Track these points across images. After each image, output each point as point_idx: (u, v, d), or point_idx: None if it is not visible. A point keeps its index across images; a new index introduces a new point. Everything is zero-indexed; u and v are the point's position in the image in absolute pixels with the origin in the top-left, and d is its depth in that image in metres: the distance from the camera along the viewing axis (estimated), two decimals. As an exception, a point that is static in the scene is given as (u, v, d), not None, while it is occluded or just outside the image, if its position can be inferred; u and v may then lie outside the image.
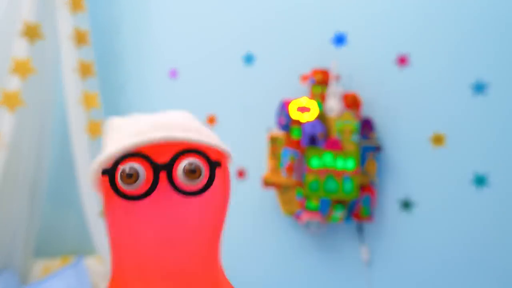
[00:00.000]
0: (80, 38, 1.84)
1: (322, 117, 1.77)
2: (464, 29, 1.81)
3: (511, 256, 1.78)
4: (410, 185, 1.85)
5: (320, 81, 1.80)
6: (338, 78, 1.80)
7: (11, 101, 1.74)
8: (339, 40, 1.87)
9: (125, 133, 0.60)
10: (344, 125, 1.75)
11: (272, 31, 1.95)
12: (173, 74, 2.05)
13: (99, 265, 1.95)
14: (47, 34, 1.81)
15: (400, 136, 1.85)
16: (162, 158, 0.56)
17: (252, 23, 1.98)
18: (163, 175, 0.55)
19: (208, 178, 0.56)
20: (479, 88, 1.78)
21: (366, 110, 1.83)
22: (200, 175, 0.55)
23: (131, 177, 0.54)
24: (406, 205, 1.85)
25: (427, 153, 1.83)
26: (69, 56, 1.82)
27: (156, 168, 0.55)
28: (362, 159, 1.78)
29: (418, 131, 1.84)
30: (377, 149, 1.80)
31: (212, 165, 0.57)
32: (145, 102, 2.09)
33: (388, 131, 1.84)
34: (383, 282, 1.87)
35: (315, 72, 1.81)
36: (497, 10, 1.78)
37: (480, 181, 1.79)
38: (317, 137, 1.75)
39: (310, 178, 1.75)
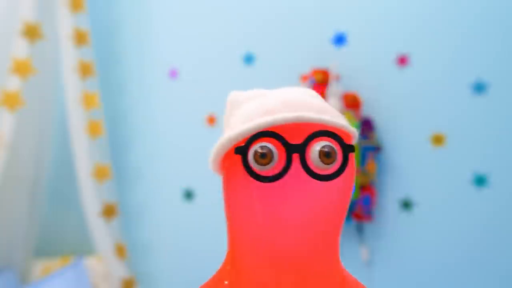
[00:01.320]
0: (80, 38, 1.84)
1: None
2: (464, 29, 1.80)
3: (511, 256, 1.78)
4: (410, 185, 1.85)
5: (320, 81, 1.80)
6: (338, 78, 1.80)
7: (12, 101, 1.75)
8: (339, 40, 1.87)
9: (254, 110, 0.56)
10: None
11: (272, 31, 1.95)
12: (173, 74, 2.05)
13: (99, 265, 1.96)
14: (47, 34, 1.81)
15: (400, 136, 1.84)
16: (295, 139, 0.53)
17: (252, 23, 1.98)
18: (295, 157, 0.53)
19: (341, 163, 0.53)
20: (479, 88, 1.78)
21: (366, 110, 1.83)
22: (334, 159, 0.52)
23: (265, 157, 0.51)
24: (406, 205, 1.85)
25: (427, 153, 1.83)
26: (69, 56, 1.82)
27: (290, 149, 0.52)
28: (362, 159, 1.78)
29: (418, 131, 1.84)
30: (377, 149, 1.80)
31: (346, 149, 0.54)
32: (145, 102, 2.09)
33: (388, 131, 1.84)
34: (383, 282, 1.86)
35: (315, 72, 1.81)
36: (497, 10, 1.78)
37: (480, 181, 1.79)
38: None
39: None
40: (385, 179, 1.85)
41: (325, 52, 1.87)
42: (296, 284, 0.56)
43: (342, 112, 1.79)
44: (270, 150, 0.52)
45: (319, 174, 0.53)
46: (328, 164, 0.52)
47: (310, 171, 0.53)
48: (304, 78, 1.84)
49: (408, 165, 1.85)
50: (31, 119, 1.87)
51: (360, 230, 1.86)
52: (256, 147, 0.52)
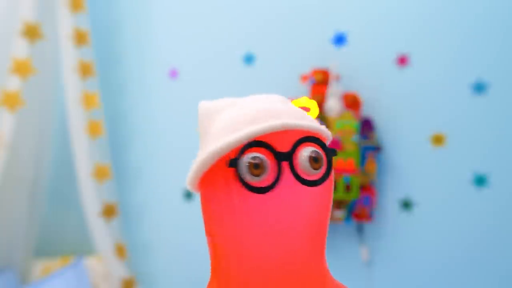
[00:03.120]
0: (80, 38, 1.84)
1: (322, 117, 1.77)
2: (464, 29, 1.80)
3: (511, 256, 1.78)
4: (410, 185, 1.84)
5: (320, 81, 1.79)
6: (338, 78, 1.80)
7: (12, 101, 1.74)
8: (339, 40, 1.87)
9: (236, 120, 0.56)
10: (344, 125, 1.75)
11: (272, 31, 1.95)
12: (173, 74, 2.05)
13: (99, 265, 1.96)
14: (47, 34, 1.81)
15: (400, 136, 1.84)
16: (282, 147, 0.53)
17: (252, 23, 1.98)
18: (285, 165, 0.53)
19: (327, 167, 0.54)
20: (479, 88, 1.78)
21: (366, 110, 1.83)
22: (322, 164, 0.54)
23: (258, 167, 0.51)
24: (406, 205, 1.85)
25: (427, 153, 1.83)
26: (69, 56, 1.82)
27: (280, 158, 0.52)
28: (362, 159, 1.78)
29: (418, 131, 1.84)
30: (377, 149, 1.80)
31: (330, 154, 0.55)
32: (145, 102, 2.09)
33: (388, 131, 1.84)
34: (383, 282, 1.86)
35: (315, 72, 1.81)
36: (497, 10, 1.78)
37: (480, 181, 1.79)
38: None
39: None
40: (385, 179, 1.85)
41: (325, 52, 1.87)
42: None
43: (342, 112, 1.80)
44: (262, 160, 0.52)
45: (308, 180, 0.53)
46: (316, 169, 0.53)
47: (300, 178, 0.53)
48: (304, 78, 1.84)
49: (408, 165, 1.85)
50: (31, 119, 1.87)
51: (360, 230, 1.86)
52: (247, 158, 0.52)
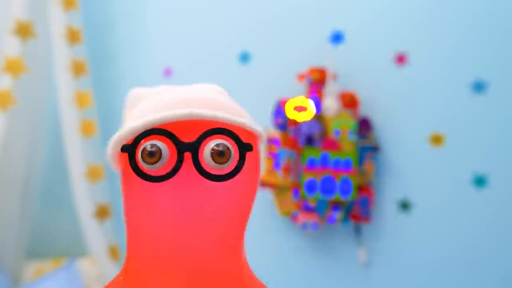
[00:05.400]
0: (72, 36, 1.83)
1: (319, 117, 1.75)
2: (463, 28, 1.79)
3: (511, 256, 1.77)
4: (409, 185, 1.83)
5: (317, 80, 1.78)
6: (335, 76, 1.78)
7: (3, 100, 1.74)
8: (336, 38, 1.86)
9: (148, 106, 0.55)
10: (341, 124, 1.74)
11: (269, 29, 1.94)
12: (168, 72, 2.03)
13: (92, 267, 1.94)
14: (39, 32, 1.80)
15: (399, 136, 1.83)
16: (188, 138, 0.51)
17: (248, 21, 1.97)
18: (188, 156, 0.51)
19: (238, 162, 0.52)
20: (479, 87, 1.77)
21: (364, 110, 1.82)
22: (229, 158, 0.50)
23: (153, 155, 0.49)
24: (405, 205, 1.83)
25: (425, 153, 1.81)
26: (62, 55, 1.81)
27: (181, 148, 0.50)
28: (360, 159, 1.76)
29: (416, 131, 1.82)
30: (375, 149, 1.78)
31: (243, 148, 0.52)
32: (140, 101, 2.07)
33: (386, 130, 1.83)
34: (381, 283, 1.85)
35: (312, 70, 1.79)
36: (497, 9, 1.77)
37: (479, 181, 1.77)
38: (314, 137, 1.73)
39: (307, 178, 1.73)
40: (383, 180, 1.84)
41: (322, 51, 1.86)
42: (188, 286, 0.54)
43: (339, 111, 1.78)
44: (159, 149, 0.50)
45: (212, 174, 0.51)
46: (221, 163, 0.50)
47: (203, 171, 0.51)
48: (300, 77, 1.83)
49: (407, 165, 1.83)
50: (23, 118, 1.86)
51: (358, 231, 1.84)
52: (145, 145, 0.50)
